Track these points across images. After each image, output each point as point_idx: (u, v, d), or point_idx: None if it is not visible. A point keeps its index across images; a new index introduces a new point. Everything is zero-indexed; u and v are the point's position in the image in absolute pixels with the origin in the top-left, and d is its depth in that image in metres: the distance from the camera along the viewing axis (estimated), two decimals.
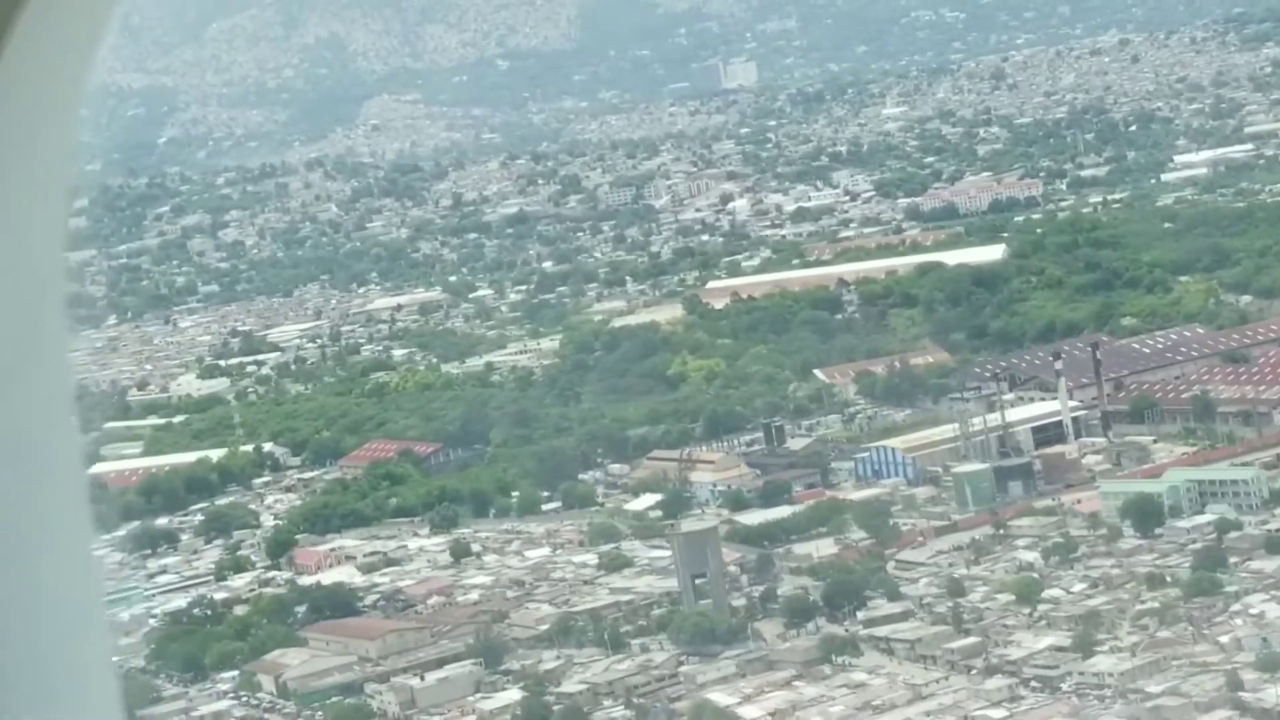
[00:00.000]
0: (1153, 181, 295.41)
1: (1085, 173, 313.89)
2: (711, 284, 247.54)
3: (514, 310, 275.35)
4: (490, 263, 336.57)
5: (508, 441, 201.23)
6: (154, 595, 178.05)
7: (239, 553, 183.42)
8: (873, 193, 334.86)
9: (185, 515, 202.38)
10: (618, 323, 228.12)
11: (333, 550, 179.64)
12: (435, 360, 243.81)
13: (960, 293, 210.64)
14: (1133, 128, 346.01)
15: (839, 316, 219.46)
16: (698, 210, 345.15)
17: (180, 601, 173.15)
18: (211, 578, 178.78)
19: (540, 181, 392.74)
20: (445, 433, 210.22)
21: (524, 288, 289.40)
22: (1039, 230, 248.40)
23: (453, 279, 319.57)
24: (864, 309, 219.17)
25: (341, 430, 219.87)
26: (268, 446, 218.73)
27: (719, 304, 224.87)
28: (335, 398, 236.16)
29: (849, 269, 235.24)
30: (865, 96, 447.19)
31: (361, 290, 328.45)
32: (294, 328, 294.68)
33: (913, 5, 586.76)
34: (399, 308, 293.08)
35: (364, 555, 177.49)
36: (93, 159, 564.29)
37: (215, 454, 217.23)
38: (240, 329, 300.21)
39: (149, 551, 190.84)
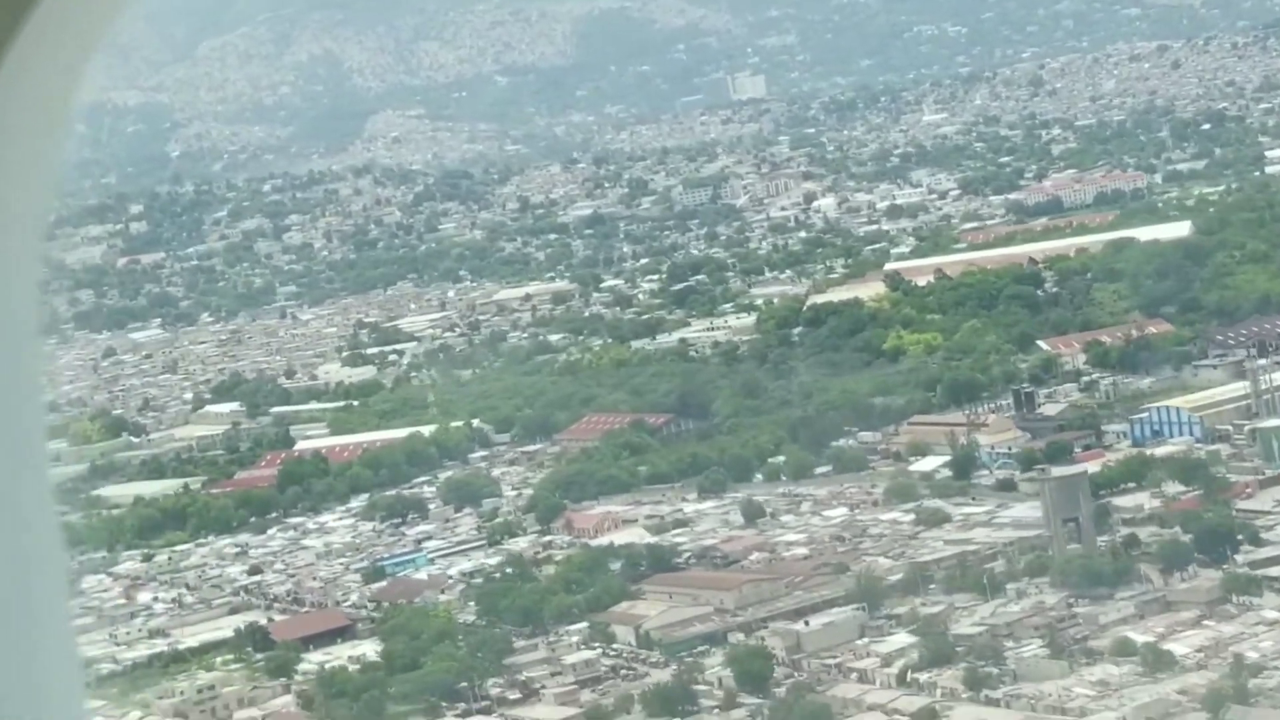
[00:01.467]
0: (1256, 174, 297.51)
1: (1181, 167, 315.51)
2: (889, 265, 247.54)
3: (653, 298, 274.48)
4: (583, 259, 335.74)
5: (738, 412, 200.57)
6: (434, 558, 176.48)
7: (496, 520, 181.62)
8: (958, 190, 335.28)
9: (411, 486, 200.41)
10: (815, 300, 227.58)
11: (608, 514, 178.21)
12: (609, 341, 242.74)
13: (1166, 267, 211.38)
14: (1205, 126, 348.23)
15: (1040, 292, 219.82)
16: (783, 209, 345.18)
17: (466, 564, 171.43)
18: (483, 542, 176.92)
19: (607, 184, 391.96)
20: (661, 405, 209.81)
21: (654, 278, 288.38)
22: (1211, 209, 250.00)
23: (559, 272, 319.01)
24: (1065, 285, 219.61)
25: (545, 406, 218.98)
26: (475, 423, 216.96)
27: (921, 281, 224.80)
28: (526, 377, 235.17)
29: (1031, 249, 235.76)
30: (900, 104, 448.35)
31: (458, 286, 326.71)
32: (422, 319, 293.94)
33: (913, 20, 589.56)
34: (527, 297, 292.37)
35: (644, 518, 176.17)
36: (106, 172, 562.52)
37: (425, 430, 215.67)
38: (366, 320, 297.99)
39: (400, 520, 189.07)
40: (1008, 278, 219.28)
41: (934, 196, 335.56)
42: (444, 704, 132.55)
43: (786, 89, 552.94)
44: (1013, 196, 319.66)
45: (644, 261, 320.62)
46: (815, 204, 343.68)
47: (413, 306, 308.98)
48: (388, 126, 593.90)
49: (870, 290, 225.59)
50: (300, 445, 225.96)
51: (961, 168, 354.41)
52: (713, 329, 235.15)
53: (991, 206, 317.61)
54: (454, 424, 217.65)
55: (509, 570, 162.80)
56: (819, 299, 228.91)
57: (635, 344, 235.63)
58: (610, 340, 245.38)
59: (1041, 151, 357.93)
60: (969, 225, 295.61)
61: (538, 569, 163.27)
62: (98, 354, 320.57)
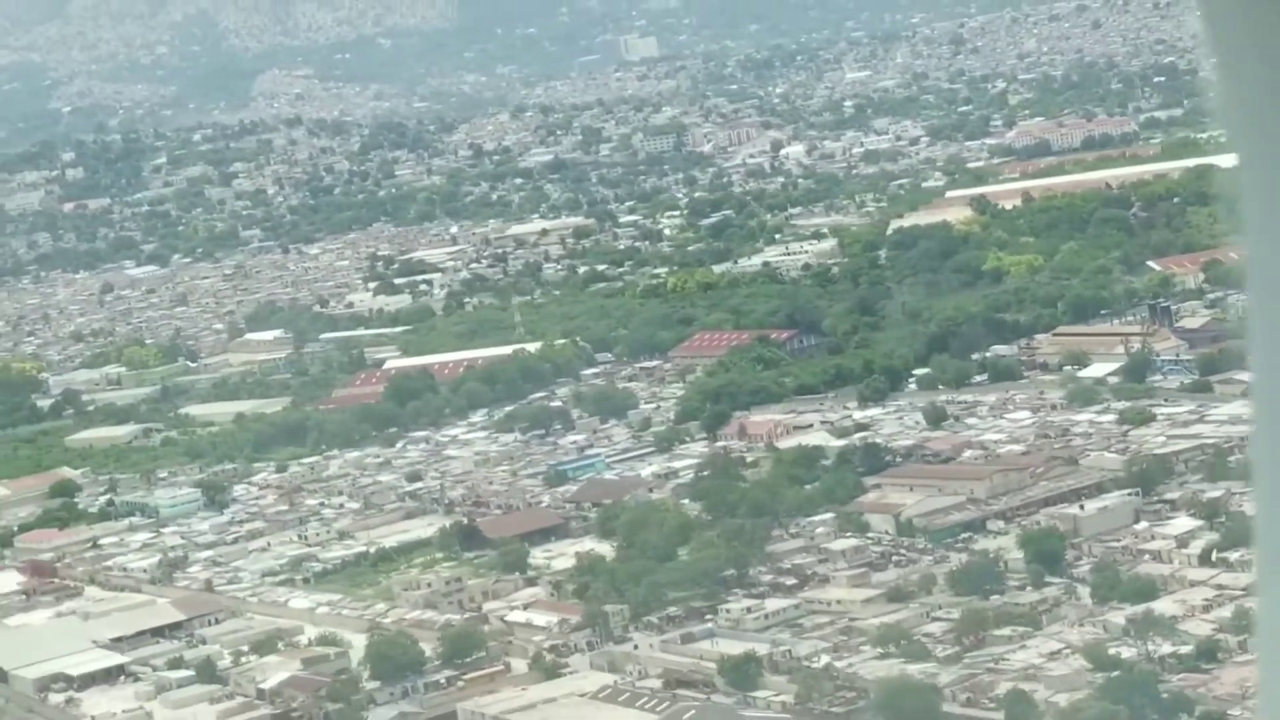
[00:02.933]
0: None
1: (1157, 114, 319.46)
2: (951, 193, 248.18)
3: (681, 232, 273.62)
4: (564, 201, 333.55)
5: (857, 328, 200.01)
6: (611, 463, 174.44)
7: (651, 428, 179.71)
8: (927, 137, 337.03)
9: (532, 400, 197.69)
10: (897, 224, 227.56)
11: (778, 421, 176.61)
12: (672, 268, 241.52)
13: None
14: (1158, 79, 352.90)
15: (1131, 215, 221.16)
16: (751, 156, 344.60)
17: (648, 467, 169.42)
18: (652, 448, 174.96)
19: (560, 132, 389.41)
20: (768, 323, 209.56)
21: (673, 214, 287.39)
22: None
23: (543, 212, 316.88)
24: (1154, 209, 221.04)
25: (640, 326, 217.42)
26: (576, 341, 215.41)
27: (1008, 204, 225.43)
28: (609, 299, 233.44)
29: (1093, 177, 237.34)
30: (820, 62, 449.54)
31: (461, 223, 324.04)
32: (437, 252, 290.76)
33: None
34: (544, 232, 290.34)
35: (818, 424, 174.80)
36: None
37: (530, 347, 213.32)
38: (380, 254, 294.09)
39: (543, 431, 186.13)
40: (1095, 201, 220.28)
41: (903, 143, 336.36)
42: (720, 590, 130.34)
43: (678, 50, 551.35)
44: (991, 141, 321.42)
45: (630, 204, 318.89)
46: (784, 151, 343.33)
47: (423, 241, 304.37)
48: (275, 85, 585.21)
49: (949, 215, 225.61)
50: (390, 364, 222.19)
51: (923, 117, 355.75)
52: (789, 254, 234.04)
53: (971, 150, 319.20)
54: (558, 342, 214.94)
55: (705, 472, 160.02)
56: (902, 223, 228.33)
57: (716, 269, 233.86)
58: (676, 268, 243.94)
59: (999, 101, 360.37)
60: (997, 160, 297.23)
61: (742, 469, 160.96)
62: (95, 289, 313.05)
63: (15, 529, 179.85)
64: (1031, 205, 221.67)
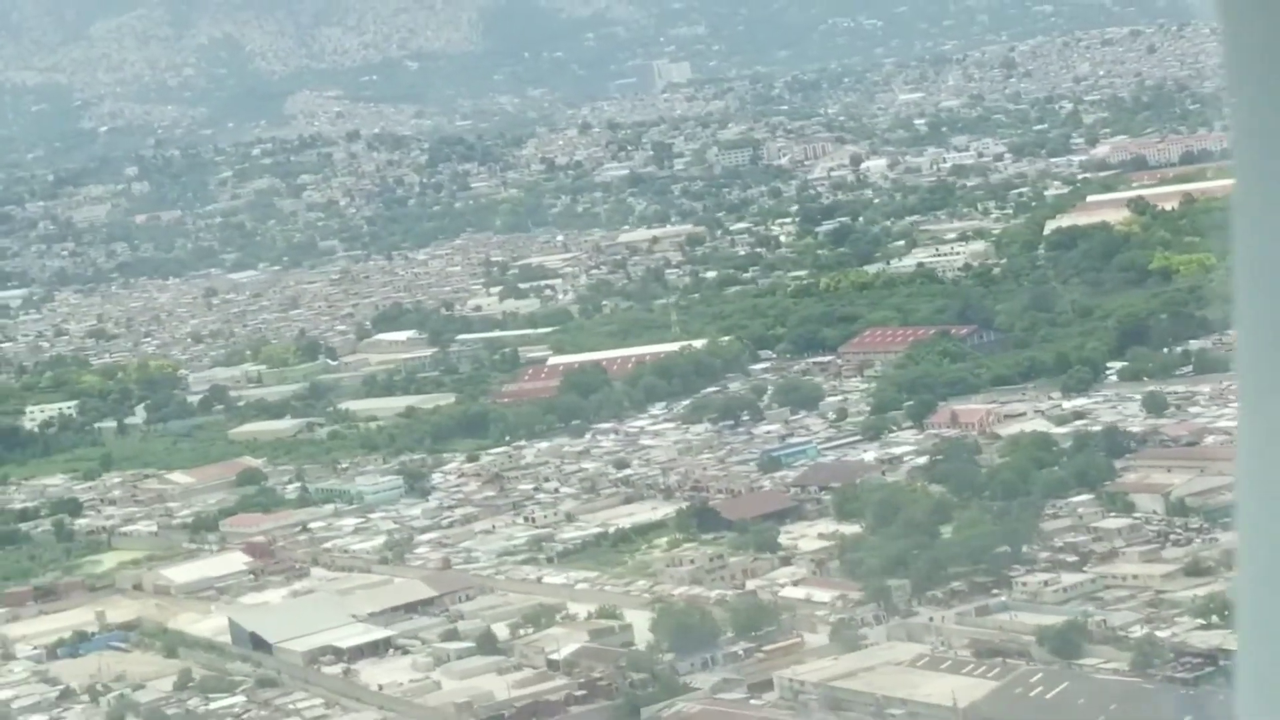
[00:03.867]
0: None
1: None
2: (1092, 198, 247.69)
3: (800, 238, 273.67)
4: (653, 213, 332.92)
5: (1036, 324, 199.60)
6: (823, 449, 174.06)
7: (849, 418, 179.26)
8: (1010, 154, 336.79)
9: (705, 394, 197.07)
10: (1054, 225, 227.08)
11: (988, 410, 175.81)
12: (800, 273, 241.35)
13: None
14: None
15: None
16: (831, 170, 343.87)
17: (870, 452, 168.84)
18: (858, 436, 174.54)
19: (630, 148, 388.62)
20: (937, 319, 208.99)
21: (785, 221, 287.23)
22: None
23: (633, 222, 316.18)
24: None
25: (800, 324, 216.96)
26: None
27: (1168, 205, 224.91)
28: (759, 299, 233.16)
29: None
30: (867, 84, 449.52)
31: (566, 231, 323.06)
32: (553, 258, 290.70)
33: (827, 13, 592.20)
34: (655, 240, 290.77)
35: (1032, 412, 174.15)
36: (33, 146, 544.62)
37: (696, 344, 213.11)
38: (492, 260, 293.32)
39: (732, 421, 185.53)
40: None
41: (986, 158, 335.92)
42: (998, 567, 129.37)
43: (709, 75, 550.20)
44: (1078, 157, 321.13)
45: (721, 214, 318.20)
46: (864, 165, 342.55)
47: (531, 248, 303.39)
48: (307, 105, 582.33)
49: (1114, 215, 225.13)
50: (551, 361, 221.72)
51: (1000, 135, 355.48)
52: (940, 255, 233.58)
53: (1059, 166, 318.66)
54: (722, 339, 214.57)
55: (939, 456, 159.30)
56: (1058, 224, 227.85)
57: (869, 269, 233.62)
58: (810, 270, 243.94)
59: (1072, 120, 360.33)
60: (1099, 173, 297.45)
61: (975, 454, 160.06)
62: (193, 293, 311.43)
63: (215, 514, 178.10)
64: (1194, 206, 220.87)
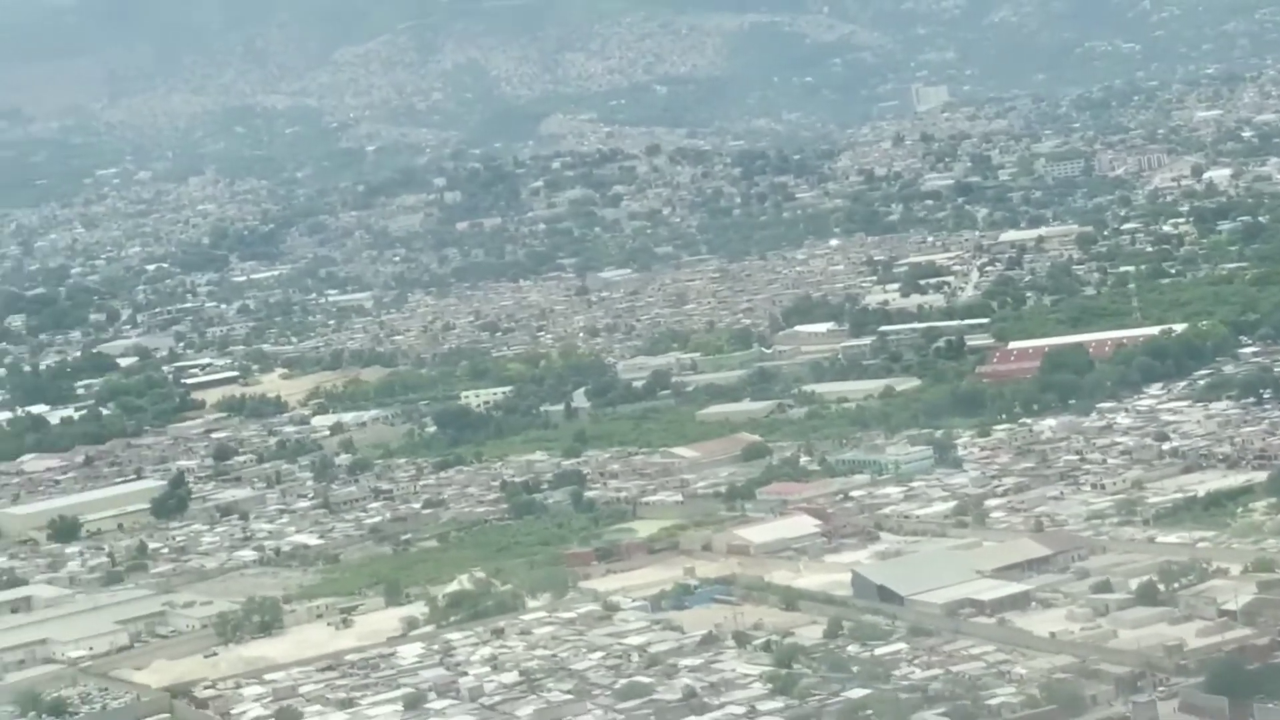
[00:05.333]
0: None
1: None
2: None
3: (1202, 236, 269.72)
4: (1000, 218, 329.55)
5: None
6: None
7: None
8: None
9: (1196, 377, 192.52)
10: None
11: None
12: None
13: None
14: None
15: None
16: (1173, 179, 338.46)
17: None
18: None
19: (945, 160, 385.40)
20: None
21: (1178, 221, 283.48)
22: None
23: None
24: None
25: (1276, 310, 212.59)
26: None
27: None
28: (1213, 287, 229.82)
29: None
30: (1159, 102, 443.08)
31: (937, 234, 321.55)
32: (936, 257, 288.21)
33: (1082, 37, 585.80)
34: (1040, 239, 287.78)
35: None
36: (301, 165, 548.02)
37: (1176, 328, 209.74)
38: (876, 258, 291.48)
39: (1254, 399, 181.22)
40: None
41: None
42: None
43: (965, 99, 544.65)
44: None
45: (1069, 221, 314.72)
46: (1206, 175, 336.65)
47: (906, 248, 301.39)
48: (563, 128, 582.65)
49: None
50: (1014, 344, 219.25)
51: None
52: None
53: None
54: (1202, 324, 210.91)
55: None
56: None
57: None
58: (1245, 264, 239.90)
59: None
60: None
61: None
62: (563, 292, 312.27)
63: (746, 484, 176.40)
64: None
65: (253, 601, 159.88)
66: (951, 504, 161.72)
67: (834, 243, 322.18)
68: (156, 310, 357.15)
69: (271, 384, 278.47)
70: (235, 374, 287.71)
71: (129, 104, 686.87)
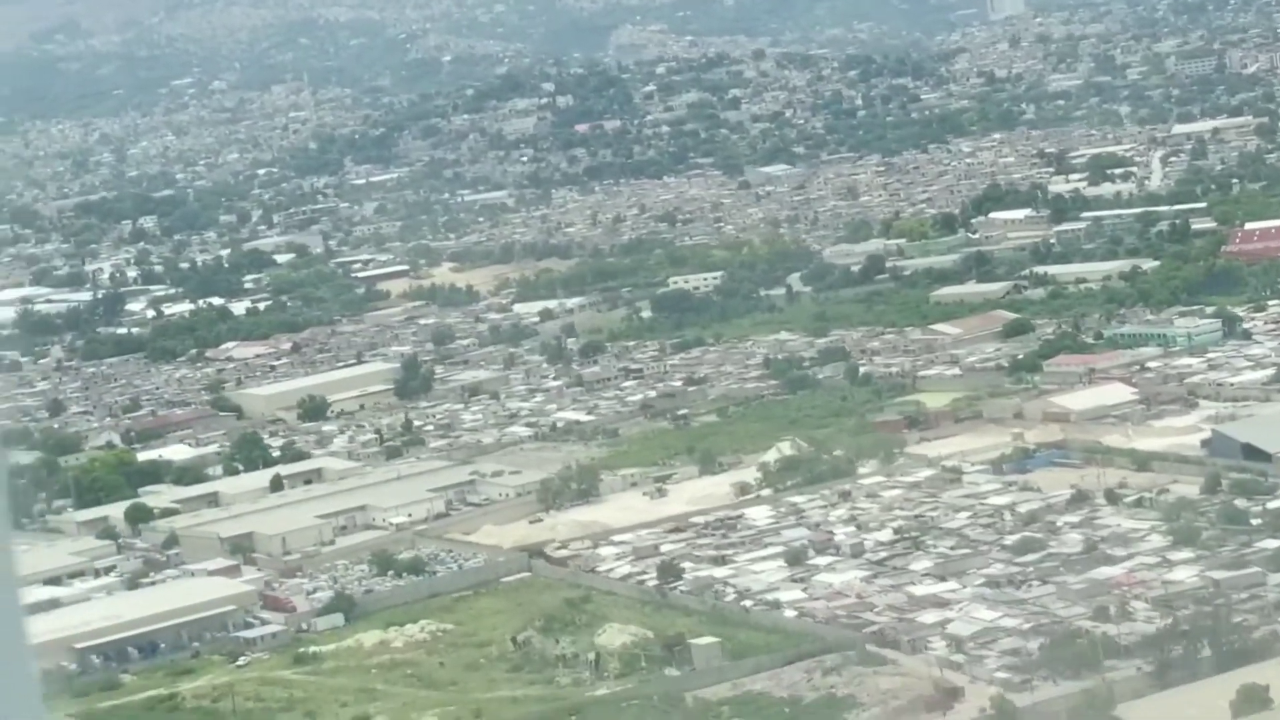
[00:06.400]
0: None
1: None
2: None
3: None
4: (1145, 114, 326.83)
5: None
6: None
7: None
8: None
9: None
10: None
11: None
12: None
13: None
14: None
15: None
16: None
17: None
18: None
19: (1068, 60, 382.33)
20: None
21: None
22: None
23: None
24: None
25: None
26: None
27: None
28: None
29: None
30: (1259, 4, 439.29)
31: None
32: (1110, 149, 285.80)
33: None
34: (1215, 130, 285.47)
35: None
36: (378, 75, 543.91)
37: None
38: (1047, 150, 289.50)
39: None
40: None
41: None
42: None
43: (1041, 8, 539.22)
44: None
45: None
46: None
47: (1072, 140, 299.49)
48: (634, 39, 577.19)
49: None
50: (1251, 225, 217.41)
51: None
52: None
53: None
54: None
55: None
56: None
57: None
58: None
59: None
60: None
61: None
62: (726, 189, 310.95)
63: (1030, 356, 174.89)
64: None
65: (569, 469, 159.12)
66: (1262, 372, 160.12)
67: (996, 136, 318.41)
68: (291, 211, 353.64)
69: (443, 276, 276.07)
70: (404, 268, 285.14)
71: (187, 17, 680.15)
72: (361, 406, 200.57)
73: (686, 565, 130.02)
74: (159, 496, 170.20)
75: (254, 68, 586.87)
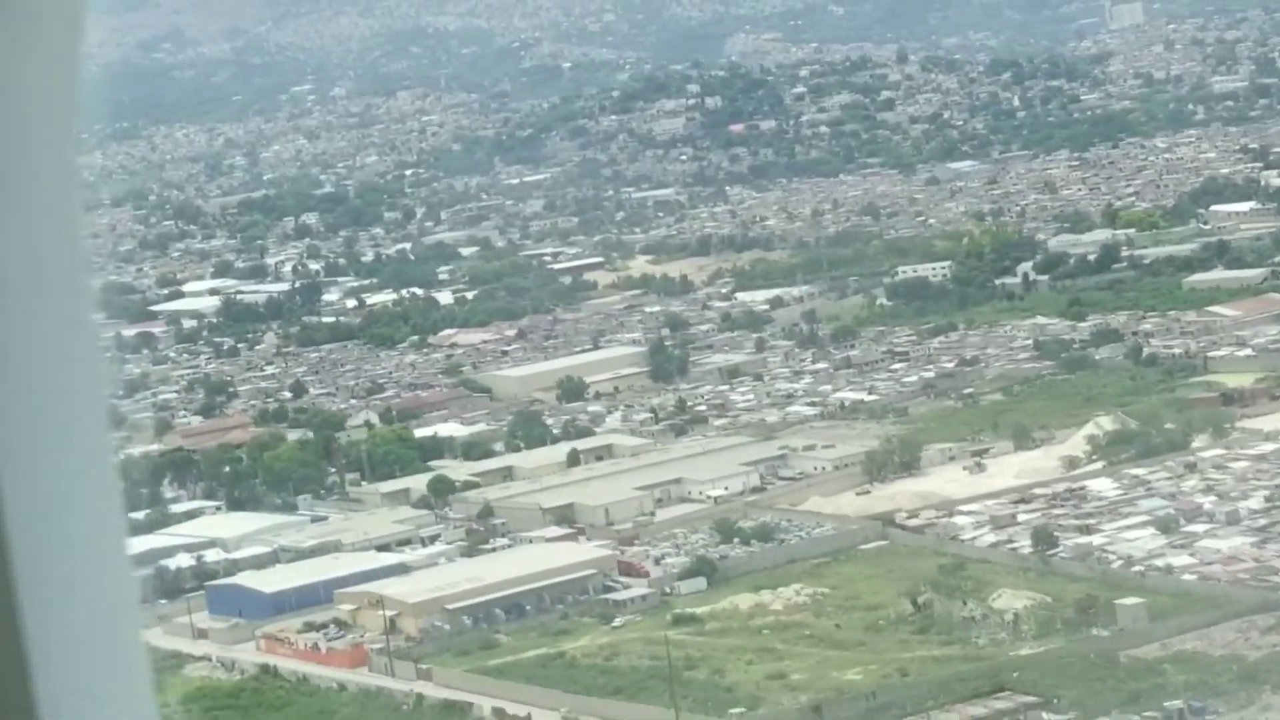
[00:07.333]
0: None
1: None
2: None
3: None
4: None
5: None
6: None
7: None
8: None
9: None
10: None
11: None
12: None
13: None
14: None
15: None
16: None
17: None
18: None
19: (1228, 63, 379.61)
20: None
21: None
22: None
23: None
24: None
25: None
26: None
27: None
28: None
29: None
30: None
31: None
32: None
33: None
34: None
35: None
36: (498, 81, 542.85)
37: None
38: (1250, 146, 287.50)
39: None
40: None
41: None
42: None
43: (1154, 16, 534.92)
44: None
45: None
46: None
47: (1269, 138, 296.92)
48: (749, 47, 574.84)
49: None
50: None
51: None
52: None
53: None
54: None
55: None
56: None
57: None
58: None
59: None
60: None
61: None
62: (905, 185, 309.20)
63: None
64: None
65: (891, 442, 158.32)
66: None
67: (1192, 132, 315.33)
68: (456, 208, 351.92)
69: (639, 268, 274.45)
70: (598, 260, 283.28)
71: (295, 26, 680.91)
72: (616, 389, 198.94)
73: (1054, 534, 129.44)
74: (453, 471, 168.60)
75: (369, 75, 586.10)
